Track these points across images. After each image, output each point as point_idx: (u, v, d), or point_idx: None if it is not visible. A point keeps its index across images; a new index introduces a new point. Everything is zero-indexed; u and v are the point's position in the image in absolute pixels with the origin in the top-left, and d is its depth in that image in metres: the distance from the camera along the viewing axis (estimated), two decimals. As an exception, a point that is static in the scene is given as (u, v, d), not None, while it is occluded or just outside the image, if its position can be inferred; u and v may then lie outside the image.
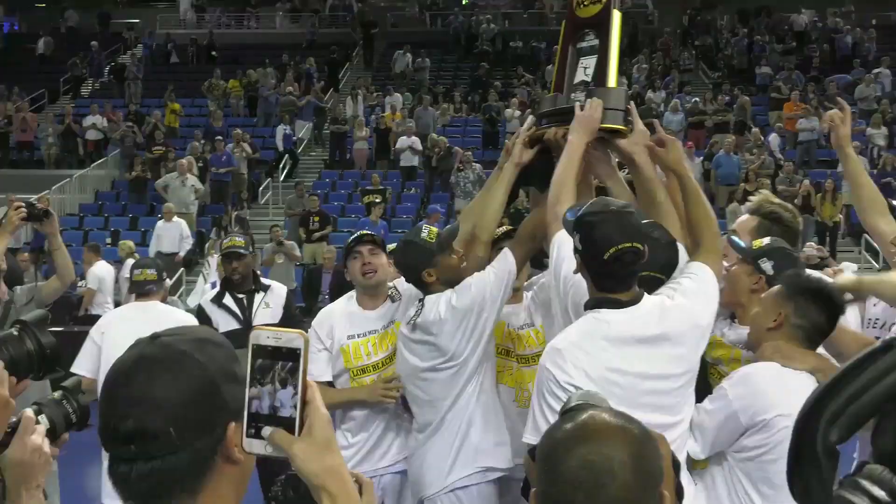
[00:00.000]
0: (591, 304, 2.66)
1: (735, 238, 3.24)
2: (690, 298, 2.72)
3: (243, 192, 17.58)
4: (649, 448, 1.39)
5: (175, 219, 14.49)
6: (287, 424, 1.31)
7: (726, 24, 26.08)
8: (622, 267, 2.57)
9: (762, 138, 17.70)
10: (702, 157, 17.00)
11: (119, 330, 4.61)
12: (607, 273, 2.60)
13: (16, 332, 1.71)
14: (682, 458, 2.61)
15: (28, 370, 1.72)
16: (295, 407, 1.31)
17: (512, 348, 3.65)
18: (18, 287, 4.88)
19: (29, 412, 1.65)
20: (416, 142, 18.03)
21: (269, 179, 18.59)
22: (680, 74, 22.46)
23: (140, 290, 4.93)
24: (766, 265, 3.05)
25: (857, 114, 18.85)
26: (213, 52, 25.10)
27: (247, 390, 1.33)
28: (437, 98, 21.59)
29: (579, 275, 2.71)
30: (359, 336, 3.79)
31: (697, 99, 19.67)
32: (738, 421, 2.68)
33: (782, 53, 23.50)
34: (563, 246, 2.88)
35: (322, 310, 4.17)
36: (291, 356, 1.32)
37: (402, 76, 23.65)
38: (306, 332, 1.78)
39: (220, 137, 17.75)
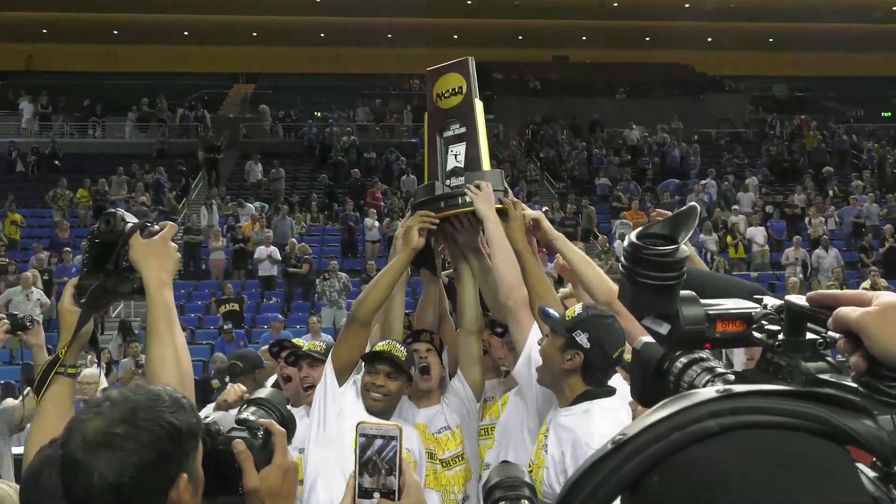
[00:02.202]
0: (590, 396, 2.86)
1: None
2: None
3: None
4: None
5: None
6: (390, 491, 1.77)
7: (566, 137, 27.80)
8: (618, 364, 2.83)
9: (608, 244, 18.77)
10: (553, 263, 17.81)
11: None
12: (609, 369, 2.82)
13: (256, 408, 1.77)
14: None
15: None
16: (395, 478, 1.77)
17: (434, 451, 3.64)
18: None
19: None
20: (274, 251, 17.94)
21: (121, 291, 17.87)
22: (527, 185, 23.61)
23: None
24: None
25: (691, 221, 20.38)
26: (57, 162, 24.27)
27: (356, 465, 1.79)
28: (292, 207, 21.67)
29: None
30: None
31: (547, 208, 20.69)
32: None
33: (619, 165, 25.22)
34: (534, 339, 3.14)
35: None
36: (392, 439, 1.79)
37: (257, 186, 23.64)
38: None
39: (67, 249, 17.02)
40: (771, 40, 35.86)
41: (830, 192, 22.99)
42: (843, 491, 0.75)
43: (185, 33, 34.69)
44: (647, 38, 35.54)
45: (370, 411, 3.37)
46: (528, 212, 3.61)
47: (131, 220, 2.12)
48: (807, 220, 21.05)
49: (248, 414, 1.73)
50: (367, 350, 3.49)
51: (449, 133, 3.73)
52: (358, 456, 1.79)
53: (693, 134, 28.36)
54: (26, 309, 14.72)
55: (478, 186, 3.47)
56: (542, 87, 32.75)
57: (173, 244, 2.12)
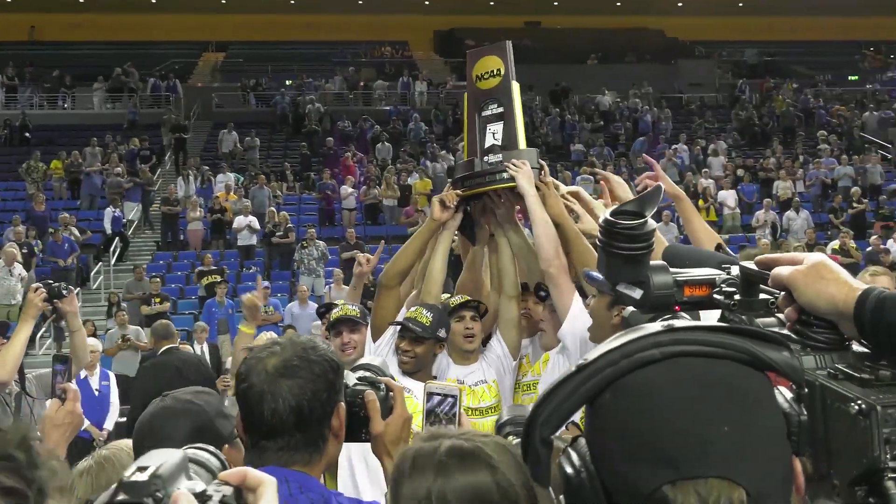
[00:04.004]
0: None
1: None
2: None
3: (71, 277, 16.78)
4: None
5: None
6: None
7: (539, 104, 27.92)
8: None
9: (583, 209, 19.02)
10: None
11: None
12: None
13: (364, 371, 2.03)
14: None
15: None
16: (454, 427, 2.12)
17: (465, 402, 3.91)
18: (30, 375, 4.51)
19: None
20: (253, 221, 17.97)
21: (99, 263, 17.88)
22: (502, 151, 23.69)
23: None
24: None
25: (664, 185, 20.69)
26: (27, 134, 24.01)
27: (423, 418, 2.24)
28: (268, 177, 21.64)
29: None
30: None
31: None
32: None
33: (592, 131, 25.43)
34: (578, 303, 3.41)
35: None
36: (453, 398, 2.22)
37: (231, 156, 23.53)
38: None
39: (52, 228, 16.86)
40: (741, 5, 36.09)
41: (801, 157, 23.38)
42: (756, 406, 0.93)
43: (153, 1, 34.20)
44: (619, 4, 35.62)
45: (402, 370, 3.63)
46: (567, 187, 3.87)
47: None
48: (776, 183, 21.45)
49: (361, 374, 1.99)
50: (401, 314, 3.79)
51: (487, 112, 3.97)
52: (424, 409, 2.21)
53: (664, 99, 28.63)
54: (9, 285, 14.68)
55: (518, 164, 3.70)
56: (515, 54, 32.66)
57: None
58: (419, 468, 1.40)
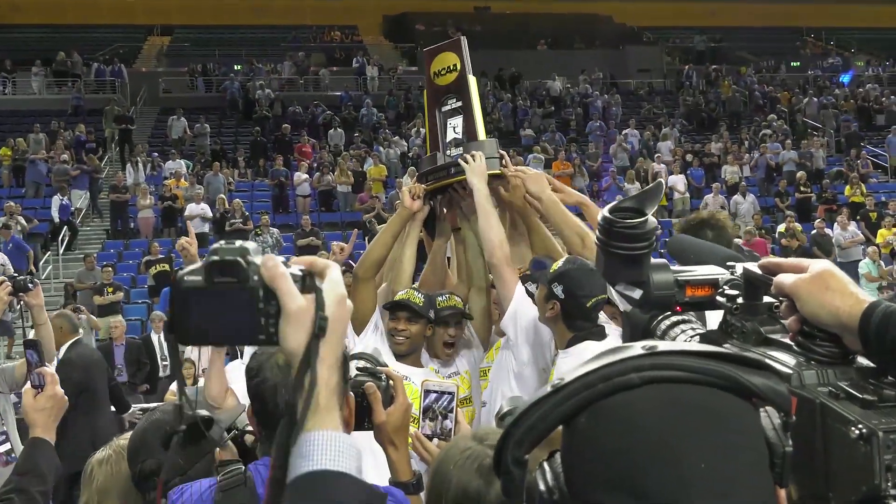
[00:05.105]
0: (578, 340, 3.11)
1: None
2: None
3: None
4: None
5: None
6: (446, 433, 2.27)
7: (490, 89, 27.99)
8: (597, 312, 3.07)
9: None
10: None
11: None
12: (586, 317, 3.08)
13: (359, 360, 2.10)
14: None
15: None
16: (450, 422, 2.28)
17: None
18: None
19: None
20: (206, 209, 17.73)
21: (48, 252, 17.51)
22: (454, 137, 23.70)
23: None
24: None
25: (616, 171, 21.01)
26: (-33, 119, 23.33)
27: (420, 412, 2.29)
28: (220, 163, 21.34)
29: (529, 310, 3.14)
30: None
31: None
32: None
33: (543, 117, 25.60)
34: (519, 292, 3.45)
35: None
36: (450, 394, 2.34)
37: (180, 142, 23.15)
38: None
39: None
40: (686, -9, 36.61)
41: (747, 142, 23.84)
42: (737, 435, 0.88)
43: (96, -17, 33.41)
44: (567, -11, 35.85)
45: (396, 354, 3.64)
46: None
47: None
48: (724, 167, 21.86)
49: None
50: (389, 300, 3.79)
51: (447, 107, 4.05)
52: (422, 406, 2.30)
53: (614, 85, 28.93)
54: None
55: (471, 157, 3.76)
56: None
57: None
58: (461, 466, 1.51)
